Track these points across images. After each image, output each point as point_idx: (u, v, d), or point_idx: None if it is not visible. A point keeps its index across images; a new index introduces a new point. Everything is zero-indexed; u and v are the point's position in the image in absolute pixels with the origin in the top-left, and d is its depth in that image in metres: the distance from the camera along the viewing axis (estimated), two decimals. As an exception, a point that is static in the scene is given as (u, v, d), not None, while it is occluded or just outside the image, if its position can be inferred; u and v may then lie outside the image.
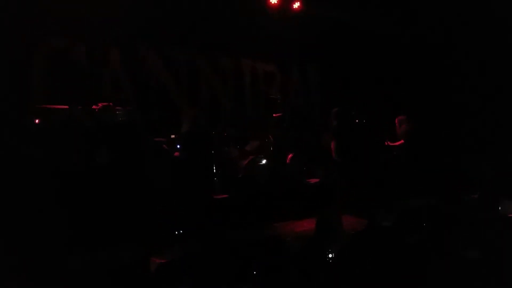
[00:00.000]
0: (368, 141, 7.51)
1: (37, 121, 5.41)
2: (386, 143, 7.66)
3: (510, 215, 4.29)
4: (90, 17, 6.59)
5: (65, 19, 6.44)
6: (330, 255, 3.74)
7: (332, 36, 9.30)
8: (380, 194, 6.98)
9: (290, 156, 7.87)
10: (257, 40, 8.64)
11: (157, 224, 5.26)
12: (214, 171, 6.49)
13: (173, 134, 6.88)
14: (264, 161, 7.35)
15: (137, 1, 6.91)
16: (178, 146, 6.45)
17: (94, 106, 5.90)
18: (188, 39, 8.00)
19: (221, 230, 5.61)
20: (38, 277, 3.78)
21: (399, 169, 7.45)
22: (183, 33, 7.87)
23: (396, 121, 7.68)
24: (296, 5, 8.91)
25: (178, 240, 5.58)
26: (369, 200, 6.75)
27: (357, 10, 9.26)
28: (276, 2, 8.68)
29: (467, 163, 7.35)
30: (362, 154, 6.90)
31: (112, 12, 6.69)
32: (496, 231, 3.65)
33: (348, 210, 6.05)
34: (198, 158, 5.61)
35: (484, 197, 4.85)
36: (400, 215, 5.42)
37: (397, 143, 7.57)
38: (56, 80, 6.53)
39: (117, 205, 4.96)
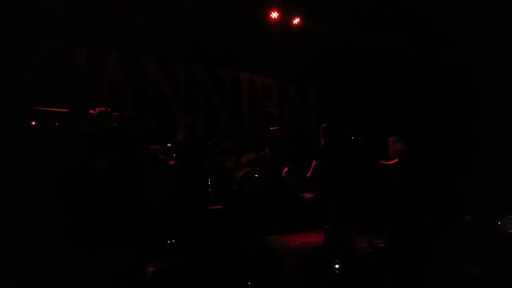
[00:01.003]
0: (363, 159, 7.51)
1: (33, 123, 5.35)
2: (380, 162, 7.68)
3: (510, 231, 4.31)
4: (91, 22, 6.59)
5: (66, 23, 6.44)
6: (336, 267, 3.71)
7: (331, 53, 9.42)
8: (375, 213, 6.99)
9: (285, 169, 7.86)
10: (256, 54, 8.71)
11: (151, 231, 5.19)
12: (209, 181, 6.44)
13: (169, 143, 6.83)
14: (259, 174, 7.32)
15: (139, 9, 6.93)
16: (174, 155, 6.40)
17: (91, 111, 5.85)
18: (188, 50, 8.03)
19: (214, 241, 5.55)
20: (33, 278, 3.71)
21: (393, 189, 7.47)
22: (184, 43, 7.90)
23: (389, 141, 7.71)
24: (296, 21, 9.03)
25: (170, 250, 5.52)
26: (364, 219, 6.74)
27: (356, 28, 9.38)
28: (276, 17, 8.78)
29: (462, 182, 7.38)
30: (355, 173, 6.80)
31: (114, 18, 6.72)
32: (498, 248, 3.65)
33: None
34: (193, 168, 5.55)
35: (483, 215, 4.88)
36: (396, 235, 5.42)
37: (391, 162, 7.60)
38: (53, 83, 6.47)
39: (112, 210, 4.89)
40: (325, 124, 6.43)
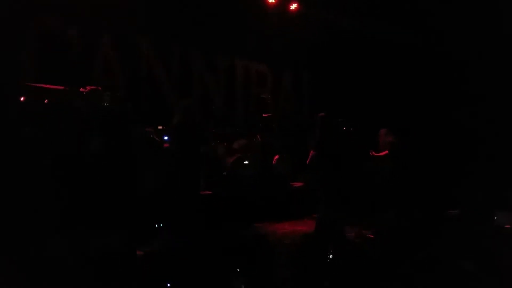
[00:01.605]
0: (354, 150, 7.51)
1: (22, 98, 5.18)
2: (370, 153, 7.69)
3: (506, 226, 4.36)
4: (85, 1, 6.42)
5: (60, 1, 6.25)
6: (329, 256, 3.72)
7: (326, 41, 9.33)
8: (363, 204, 7.03)
9: (276, 157, 7.84)
10: (252, 39, 8.61)
11: (142, 215, 5.13)
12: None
13: (160, 125, 6.72)
14: (250, 160, 7.28)
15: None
16: (166, 138, 6.31)
17: (81, 89, 5.69)
18: (183, 33, 7.88)
19: (203, 227, 5.52)
20: (24, 260, 3.64)
21: (383, 180, 7.50)
22: (179, 27, 7.75)
23: (380, 133, 7.71)
24: (293, 6, 8.92)
25: (158, 233, 5.48)
26: (352, 209, 6.77)
27: (353, 15, 9.30)
28: (273, 1, 8.65)
29: (456, 177, 7.44)
30: (346, 163, 6.82)
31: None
32: (494, 241, 3.69)
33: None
34: (188, 152, 5.46)
35: (479, 210, 4.93)
36: (383, 226, 5.48)
37: (381, 154, 7.62)
38: (45, 61, 6.30)
39: (103, 191, 4.81)
40: (322, 114, 6.34)
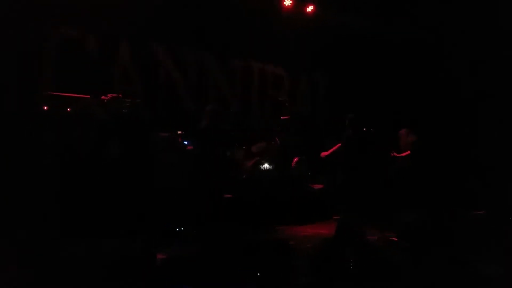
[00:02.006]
0: (375, 151, 7.45)
1: (46, 108, 5.32)
2: (392, 154, 7.60)
3: None
4: (103, 8, 6.53)
5: (77, 10, 6.39)
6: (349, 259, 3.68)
7: (342, 43, 9.28)
8: (385, 205, 6.94)
9: (295, 160, 7.82)
10: (268, 43, 8.61)
11: (161, 219, 5.19)
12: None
13: (179, 130, 6.78)
14: (269, 164, 7.28)
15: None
16: (186, 142, 6.37)
17: (103, 97, 5.80)
18: (199, 38, 7.94)
19: (224, 230, 5.54)
20: (41, 266, 3.72)
21: (405, 181, 7.39)
22: (195, 31, 7.81)
23: (400, 133, 7.62)
24: (310, 8, 8.89)
25: (179, 238, 5.53)
26: (374, 210, 6.70)
27: (370, 17, 9.22)
28: (289, 4, 8.65)
29: (475, 177, 7.29)
30: (370, 164, 6.81)
31: (126, 5, 6.65)
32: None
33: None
34: (211, 155, 5.54)
35: (497, 210, 4.81)
36: (407, 228, 5.38)
37: (403, 154, 7.51)
38: (65, 70, 6.44)
39: (122, 197, 4.89)
40: (351, 114, 6.49)
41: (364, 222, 5.49)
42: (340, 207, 6.51)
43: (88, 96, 5.61)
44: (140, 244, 4.42)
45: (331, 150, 6.52)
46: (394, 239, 5.70)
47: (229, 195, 6.54)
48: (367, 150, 6.47)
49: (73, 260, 3.87)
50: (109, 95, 5.76)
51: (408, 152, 7.44)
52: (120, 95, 5.91)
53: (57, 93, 5.59)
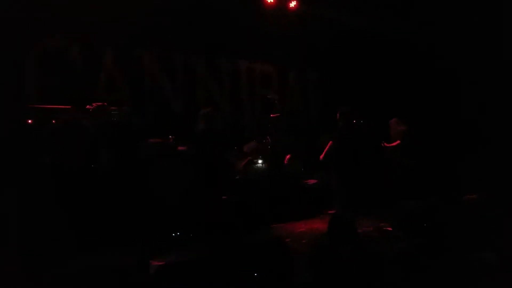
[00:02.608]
0: (366, 143, 7.46)
1: (30, 121, 5.28)
2: (382, 144, 7.61)
3: None
4: (87, 17, 6.49)
5: (62, 19, 6.34)
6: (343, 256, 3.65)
7: (329, 38, 9.28)
8: (378, 196, 6.95)
9: (287, 157, 7.80)
10: (255, 41, 8.57)
11: (157, 226, 5.16)
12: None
13: (170, 135, 6.74)
14: (261, 162, 7.26)
15: (134, 1, 6.81)
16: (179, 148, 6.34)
17: (88, 106, 5.76)
18: (184, 40, 7.89)
19: (219, 232, 5.52)
20: (38, 279, 3.68)
21: (396, 171, 7.42)
22: (180, 33, 7.76)
23: (390, 122, 7.65)
24: (293, 4, 8.86)
25: (176, 243, 5.49)
26: (368, 202, 6.71)
27: (355, 11, 9.23)
28: (272, 1, 8.61)
29: (467, 162, 7.32)
30: (361, 156, 6.84)
31: (109, 12, 6.61)
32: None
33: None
34: (206, 157, 5.55)
35: (491, 196, 4.82)
36: (402, 217, 5.37)
37: (393, 144, 7.53)
38: (49, 80, 6.38)
39: (116, 206, 4.86)
40: (343, 107, 6.63)
41: (358, 215, 5.49)
42: (333, 201, 6.53)
43: (70, 107, 5.54)
44: (135, 254, 4.38)
45: (325, 150, 6.57)
46: (389, 229, 5.71)
47: (224, 197, 6.52)
48: (358, 141, 6.51)
49: (68, 271, 3.83)
50: (94, 104, 5.72)
51: (398, 142, 7.46)
52: (105, 104, 5.87)
53: (40, 106, 5.54)
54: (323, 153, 6.64)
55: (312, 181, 7.83)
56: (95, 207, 4.91)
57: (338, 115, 6.71)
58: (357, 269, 3.39)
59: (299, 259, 4.74)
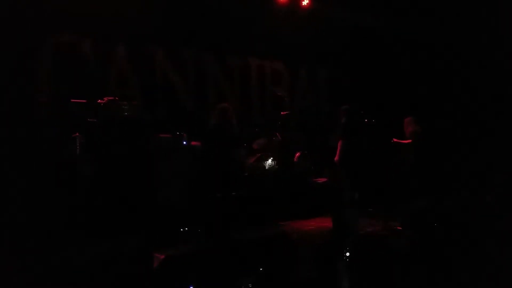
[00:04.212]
0: (377, 141, 7.39)
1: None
2: (393, 140, 7.53)
3: None
4: (99, 13, 6.55)
5: (74, 15, 6.40)
6: (347, 254, 3.63)
7: (340, 36, 9.23)
8: (388, 195, 6.89)
9: (297, 154, 7.77)
10: (265, 38, 8.56)
11: (163, 219, 5.18)
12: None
13: (178, 132, 6.76)
14: (271, 159, 7.25)
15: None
16: (185, 143, 6.35)
17: (99, 100, 5.81)
18: (196, 37, 7.91)
19: (227, 228, 5.52)
20: (40, 268, 3.73)
21: (408, 171, 7.34)
22: (191, 30, 7.79)
23: (405, 120, 7.57)
24: (305, 2, 8.83)
25: (182, 237, 5.51)
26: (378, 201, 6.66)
27: (366, 10, 9.17)
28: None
29: (477, 163, 7.21)
30: (370, 155, 6.77)
31: (121, 8, 6.67)
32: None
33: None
34: (218, 152, 5.56)
35: (500, 195, 4.74)
36: (411, 216, 5.31)
37: (404, 141, 7.45)
38: (62, 75, 6.45)
39: (122, 197, 4.89)
40: (346, 105, 6.54)
41: (362, 215, 5.45)
42: (339, 201, 6.46)
43: (82, 101, 5.60)
44: (137, 243, 4.41)
45: (338, 150, 6.47)
46: (398, 228, 5.65)
47: (233, 193, 6.52)
48: (361, 137, 6.43)
49: (70, 260, 3.87)
50: (106, 98, 5.76)
51: (410, 141, 7.38)
52: (117, 98, 5.91)
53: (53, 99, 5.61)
54: (337, 155, 6.50)
55: (321, 179, 7.80)
56: (100, 197, 4.95)
57: (339, 113, 6.63)
58: (362, 267, 3.36)
59: (305, 256, 4.73)
